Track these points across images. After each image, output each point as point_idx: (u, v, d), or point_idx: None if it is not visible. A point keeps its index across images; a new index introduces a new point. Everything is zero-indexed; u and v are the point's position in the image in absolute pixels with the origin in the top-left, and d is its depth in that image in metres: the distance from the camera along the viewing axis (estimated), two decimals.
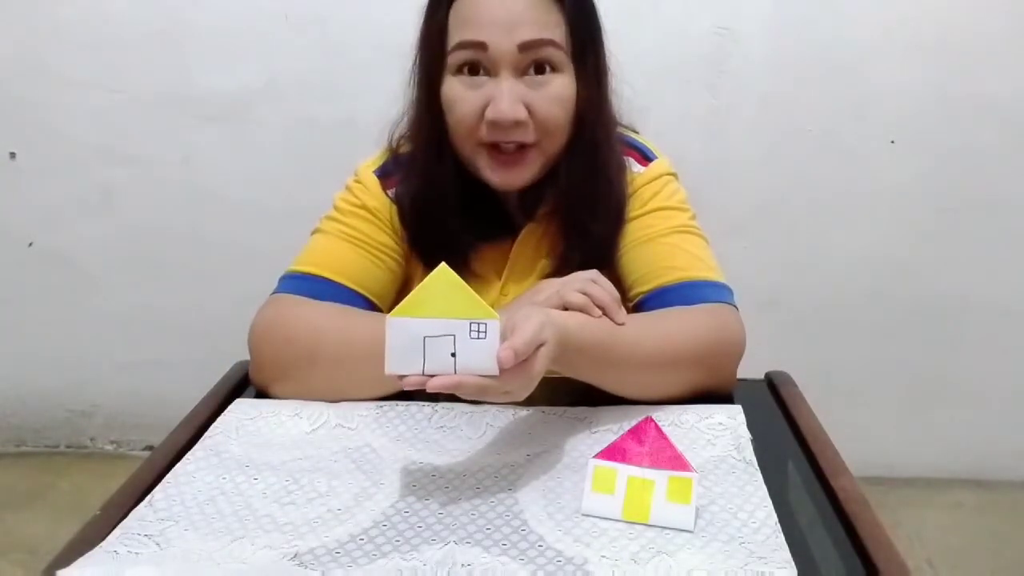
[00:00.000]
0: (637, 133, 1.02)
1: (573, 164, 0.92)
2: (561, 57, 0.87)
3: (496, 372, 0.63)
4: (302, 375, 0.83)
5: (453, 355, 0.62)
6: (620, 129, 0.98)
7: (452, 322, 0.62)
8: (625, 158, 0.96)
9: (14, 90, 1.91)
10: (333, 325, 0.84)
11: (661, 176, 0.96)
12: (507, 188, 0.91)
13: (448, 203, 0.92)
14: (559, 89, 0.87)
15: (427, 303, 0.62)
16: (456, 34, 0.86)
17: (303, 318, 0.85)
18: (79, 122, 1.92)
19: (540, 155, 0.90)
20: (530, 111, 0.86)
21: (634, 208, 0.95)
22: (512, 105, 0.85)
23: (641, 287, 0.92)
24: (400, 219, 0.95)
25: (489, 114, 0.85)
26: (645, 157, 0.98)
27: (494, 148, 0.88)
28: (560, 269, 0.96)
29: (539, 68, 0.86)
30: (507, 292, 0.98)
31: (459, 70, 0.87)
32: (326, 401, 0.82)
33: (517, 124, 0.86)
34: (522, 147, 0.89)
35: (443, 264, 0.65)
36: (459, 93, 0.87)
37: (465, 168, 0.92)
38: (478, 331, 0.62)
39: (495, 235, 0.97)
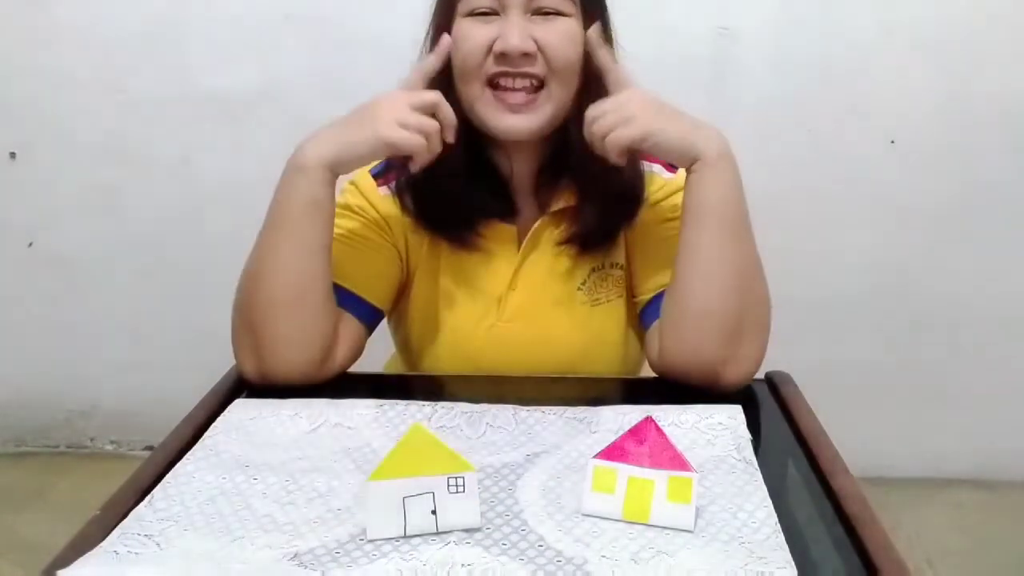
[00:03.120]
0: None
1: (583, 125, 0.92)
2: (569, 6, 0.89)
3: (478, 525, 0.62)
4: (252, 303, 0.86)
5: (434, 512, 0.61)
6: None
7: (430, 479, 0.61)
8: (651, 164, 0.98)
9: (14, 90, 1.91)
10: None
11: None
12: (512, 136, 0.92)
13: (454, 168, 0.92)
14: (568, 27, 0.89)
15: (404, 463, 0.61)
16: None
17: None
18: (79, 122, 1.92)
19: (548, 100, 0.90)
20: (540, 47, 0.88)
21: (666, 211, 0.95)
22: (522, 36, 0.87)
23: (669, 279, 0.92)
24: (401, 203, 0.96)
25: (498, 46, 0.87)
26: (670, 163, 0.99)
27: (500, 92, 0.89)
28: (573, 260, 0.97)
29: (547, 13, 0.88)
30: (515, 286, 0.98)
31: (468, 15, 0.89)
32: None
33: (525, 57, 0.87)
34: (533, 89, 0.89)
35: (416, 423, 0.64)
36: (467, 30, 0.89)
37: (472, 133, 0.92)
38: (456, 486, 0.61)
39: (503, 213, 0.97)
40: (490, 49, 0.88)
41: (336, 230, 0.94)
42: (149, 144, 1.94)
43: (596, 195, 0.94)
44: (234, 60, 1.87)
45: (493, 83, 0.89)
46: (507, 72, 0.88)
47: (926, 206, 1.89)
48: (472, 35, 0.88)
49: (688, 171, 0.86)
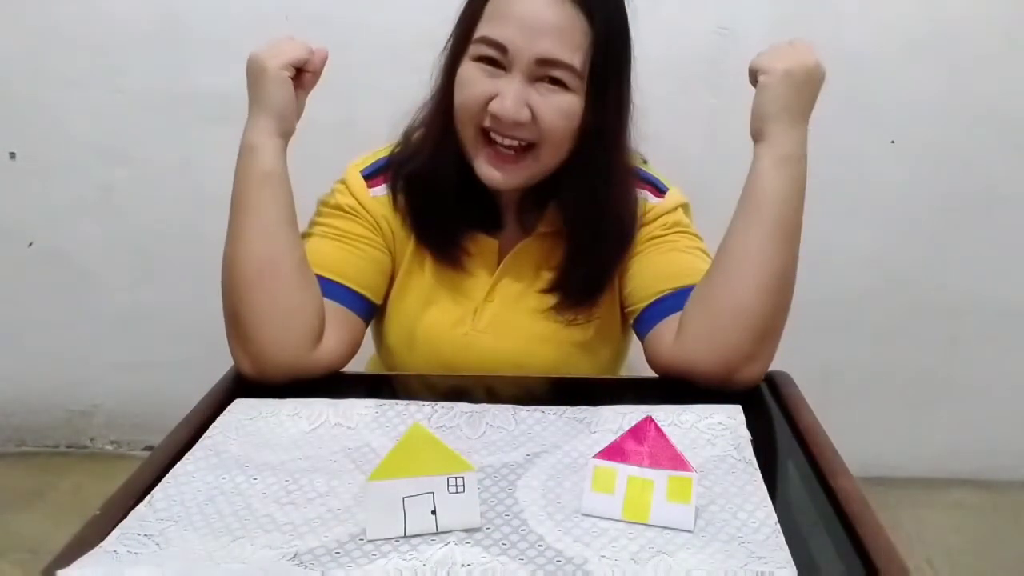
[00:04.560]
0: (646, 163, 1.03)
1: (577, 187, 0.93)
2: (575, 81, 0.88)
3: (478, 525, 0.62)
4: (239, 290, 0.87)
5: (433, 512, 0.61)
6: (631, 156, 0.99)
7: (429, 479, 0.61)
8: (641, 191, 0.99)
9: (14, 90, 1.91)
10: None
11: (677, 208, 1.00)
12: (496, 187, 0.93)
13: (445, 180, 0.94)
14: (565, 104, 0.88)
15: (403, 463, 0.61)
16: (485, 27, 0.88)
17: None
18: (79, 122, 1.92)
19: (535, 162, 0.91)
20: (535, 115, 0.87)
21: (655, 230, 0.98)
22: (516, 105, 0.86)
23: (672, 283, 0.93)
24: (394, 202, 0.98)
25: (493, 107, 0.87)
26: (659, 189, 1.01)
27: (492, 144, 0.90)
28: (558, 284, 0.98)
29: (552, 81, 0.87)
30: (492, 298, 1.00)
31: (478, 59, 0.89)
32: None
33: (517, 124, 0.87)
34: (521, 148, 0.90)
35: (416, 424, 0.64)
36: (471, 76, 0.89)
37: (463, 148, 0.93)
38: (456, 486, 0.61)
39: (488, 226, 0.99)
40: (487, 103, 0.88)
41: (326, 228, 0.97)
42: (149, 144, 1.93)
43: (585, 247, 0.95)
44: (234, 60, 1.86)
45: (485, 132, 0.90)
46: (499, 131, 0.89)
47: (926, 206, 1.89)
48: (474, 84, 0.88)
49: (757, 153, 0.89)
